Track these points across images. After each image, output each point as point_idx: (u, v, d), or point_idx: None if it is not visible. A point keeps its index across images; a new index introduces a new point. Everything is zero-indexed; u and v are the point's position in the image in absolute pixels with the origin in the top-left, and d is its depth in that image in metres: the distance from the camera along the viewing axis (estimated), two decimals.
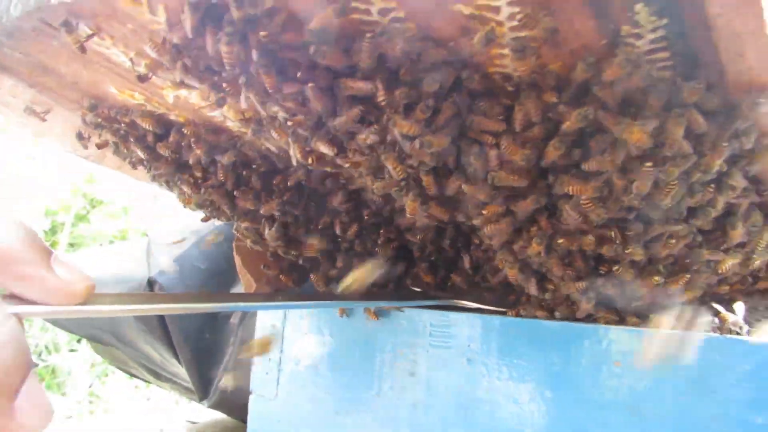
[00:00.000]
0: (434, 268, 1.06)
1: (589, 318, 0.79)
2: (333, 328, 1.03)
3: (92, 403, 5.33)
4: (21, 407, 0.38)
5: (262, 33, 0.49)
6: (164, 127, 0.83)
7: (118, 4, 0.56)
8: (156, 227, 2.02)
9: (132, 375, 2.70)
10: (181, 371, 2.02)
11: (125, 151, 0.88)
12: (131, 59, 0.65)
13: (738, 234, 0.66)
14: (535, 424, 0.78)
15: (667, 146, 0.52)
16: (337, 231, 1.00)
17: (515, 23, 0.47)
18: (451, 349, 0.88)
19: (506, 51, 0.51)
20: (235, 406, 1.89)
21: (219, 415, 2.39)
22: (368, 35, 0.52)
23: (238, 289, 1.89)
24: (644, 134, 0.49)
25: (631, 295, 0.73)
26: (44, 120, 0.83)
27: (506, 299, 0.91)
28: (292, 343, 1.09)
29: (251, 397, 1.14)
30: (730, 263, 0.75)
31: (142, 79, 0.63)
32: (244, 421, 1.27)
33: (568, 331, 0.78)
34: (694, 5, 0.43)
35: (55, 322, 2.12)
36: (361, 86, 0.54)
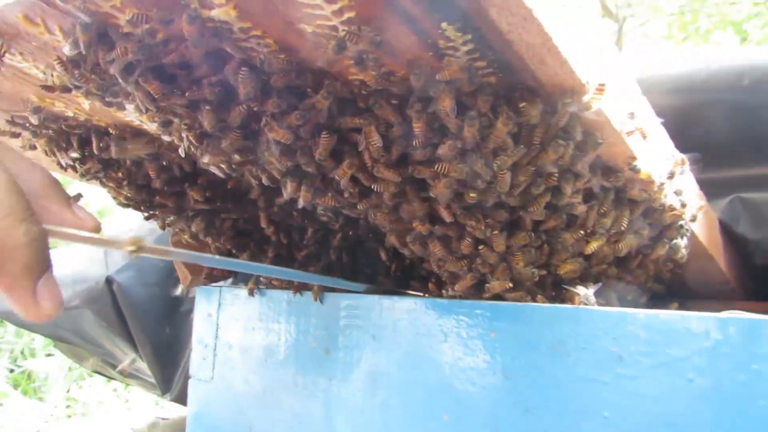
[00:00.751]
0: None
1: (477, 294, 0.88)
2: (261, 315, 1.12)
3: (70, 407, 5.31)
4: (40, 292, 0.49)
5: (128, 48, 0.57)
6: (88, 131, 0.91)
7: (20, 25, 0.63)
8: (113, 226, 2.08)
9: (99, 373, 2.74)
10: (144, 366, 2.07)
11: (53, 154, 0.95)
12: (43, 72, 0.73)
13: (582, 212, 0.76)
14: (425, 388, 0.88)
15: (492, 141, 0.61)
16: (262, 224, 1.08)
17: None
18: (360, 328, 0.97)
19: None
20: None
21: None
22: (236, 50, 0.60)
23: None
24: (450, 101, 0.58)
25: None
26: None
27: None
28: (225, 330, 1.17)
29: (190, 381, 1.22)
30: (595, 245, 0.85)
31: (49, 89, 0.70)
32: None
33: (454, 306, 0.87)
34: (488, 23, 0.52)
35: (7, 317, 2.17)
36: (234, 112, 0.63)
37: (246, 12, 0.55)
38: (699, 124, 1.17)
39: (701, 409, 0.66)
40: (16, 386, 5.15)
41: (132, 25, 0.58)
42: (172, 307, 2.02)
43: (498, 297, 0.86)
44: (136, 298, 1.92)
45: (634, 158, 0.75)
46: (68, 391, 5.48)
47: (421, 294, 0.99)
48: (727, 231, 1.26)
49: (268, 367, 1.08)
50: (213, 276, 1.25)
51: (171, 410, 2.63)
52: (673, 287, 1.20)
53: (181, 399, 1.97)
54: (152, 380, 2.08)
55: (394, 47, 0.58)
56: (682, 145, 0.94)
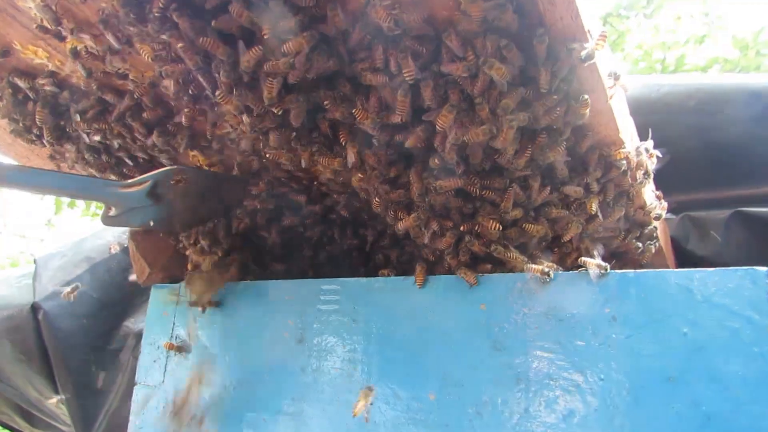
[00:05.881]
0: None
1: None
2: (224, 310, 1.05)
3: None
4: None
5: None
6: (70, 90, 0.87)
7: None
8: (45, 251, 1.95)
9: (3, 425, 2.45)
10: (60, 411, 1.89)
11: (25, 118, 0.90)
12: (39, 7, 0.70)
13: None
14: (407, 370, 0.84)
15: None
16: None
17: None
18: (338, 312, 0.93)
19: None
20: None
21: None
22: None
23: (133, 321, 1.84)
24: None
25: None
26: None
27: None
28: (182, 328, 1.09)
29: (135, 388, 1.11)
30: (595, 204, 0.86)
31: (44, 31, 0.68)
32: None
33: (437, 283, 0.85)
34: None
35: None
36: None
37: None
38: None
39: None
40: None
41: None
42: (102, 344, 1.87)
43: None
44: (63, 330, 1.76)
45: (617, 129, 0.79)
46: None
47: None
48: (677, 249, 1.33)
49: (231, 363, 1.00)
50: (173, 270, 1.17)
51: None
52: None
53: None
54: (67, 429, 1.89)
55: None
56: None
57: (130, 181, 0.86)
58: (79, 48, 0.71)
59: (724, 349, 0.65)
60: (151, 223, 0.91)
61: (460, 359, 0.81)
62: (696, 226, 1.30)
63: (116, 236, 1.94)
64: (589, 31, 0.64)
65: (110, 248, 1.91)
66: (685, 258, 1.32)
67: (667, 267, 1.21)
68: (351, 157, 0.76)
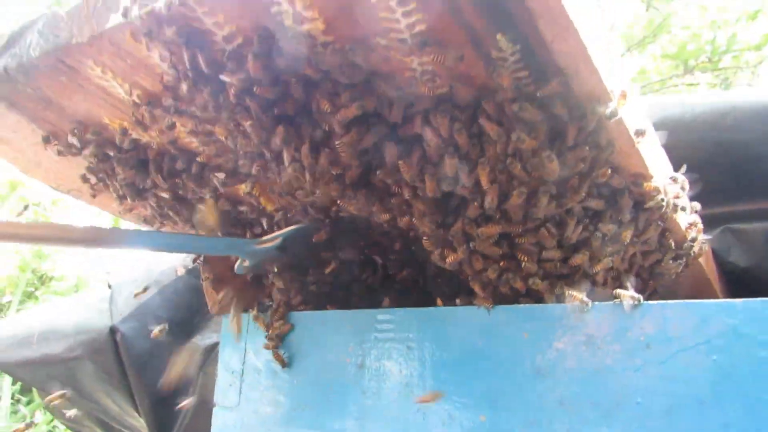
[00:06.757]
0: None
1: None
2: (290, 336, 1.16)
3: None
4: None
5: None
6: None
7: (122, 44, 0.73)
8: (118, 276, 2.11)
9: None
10: (138, 424, 2.04)
11: (111, 178, 1.03)
12: (127, 91, 0.82)
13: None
14: (460, 393, 0.93)
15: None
16: None
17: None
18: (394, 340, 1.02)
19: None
20: None
21: None
22: None
23: (201, 337, 1.97)
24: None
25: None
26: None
27: None
28: (253, 354, 1.20)
29: (214, 410, 1.23)
30: (629, 234, 0.92)
31: (138, 106, 0.79)
32: None
33: (482, 312, 0.93)
34: (533, 30, 0.63)
35: (8, 369, 2.13)
36: None
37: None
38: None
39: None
40: None
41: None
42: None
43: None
44: (138, 349, 1.92)
45: (645, 166, 0.85)
46: None
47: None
48: (719, 261, 1.36)
49: (298, 386, 1.11)
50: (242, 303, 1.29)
51: None
52: None
53: None
54: None
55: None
56: None
57: (264, 238, 1.02)
58: (174, 123, 0.83)
59: (751, 375, 0.71)
60: (275, 269, 1.10)
61: (508, 383, 0.89)
62: (737, 238, 1.34)
63: (181, 260, 2.08)
64: (611, 91, 0.71)
65: (176, 271, 2.07)
66: (727, 270, 1.35)
67: (708, 280, 1.25)
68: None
